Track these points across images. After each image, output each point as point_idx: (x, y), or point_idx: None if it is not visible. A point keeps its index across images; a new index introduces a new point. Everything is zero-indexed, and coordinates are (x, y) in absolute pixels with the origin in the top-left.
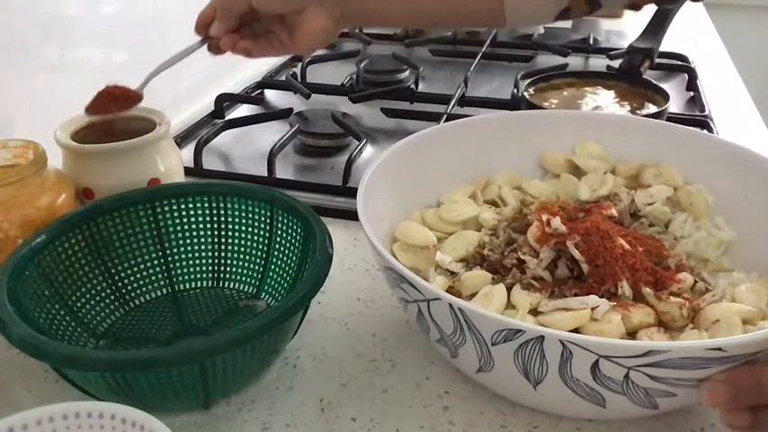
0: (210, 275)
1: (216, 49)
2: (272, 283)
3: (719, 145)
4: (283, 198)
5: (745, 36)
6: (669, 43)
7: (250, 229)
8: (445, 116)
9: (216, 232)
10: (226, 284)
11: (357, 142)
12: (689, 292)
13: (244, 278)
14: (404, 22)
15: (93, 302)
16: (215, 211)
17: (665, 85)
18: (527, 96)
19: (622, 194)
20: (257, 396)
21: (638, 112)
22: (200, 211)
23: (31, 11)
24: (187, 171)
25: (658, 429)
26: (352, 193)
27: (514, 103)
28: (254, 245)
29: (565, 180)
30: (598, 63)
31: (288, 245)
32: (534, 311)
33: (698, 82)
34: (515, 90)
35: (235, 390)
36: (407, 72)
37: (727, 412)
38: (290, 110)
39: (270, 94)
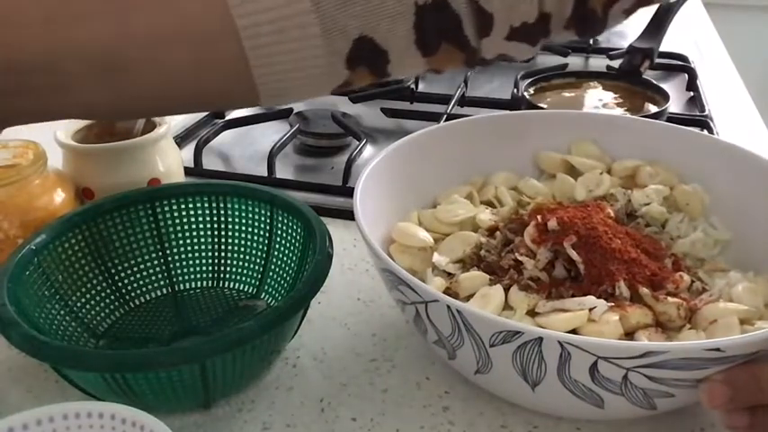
0: (210, 275)
1: None
2: (272, 283)
3: (715, 144)
4: (283, 198)
5: (745, 36)
6: (669, 43)
7: (250, 229)
8: (445, 116)
9: (216, 232)
10: (226, 284)
11: (357, 142)
12: (686, 293)
13: (244, 278)
14: (112, 114)
15: (93, 302)
16: (215, 211)
17: (665, 85)
18: (527, 96)
19: (619, 195)
20: (257, 396)
21: (634, 106)
22: (200, 211)
23: None
24: (187, 171)
25: (658, 429)
26: (352, 193)
27: (514, 103)
28: (254, 245)
29: (561, 180)
30: (598, 63)
31: (288, 245)
32: (532, 312)
33: (698, 82)
34: (515, 90)
35: (235, 390)
36: None
37: (725, 413)
38: (290, 110)
39: None
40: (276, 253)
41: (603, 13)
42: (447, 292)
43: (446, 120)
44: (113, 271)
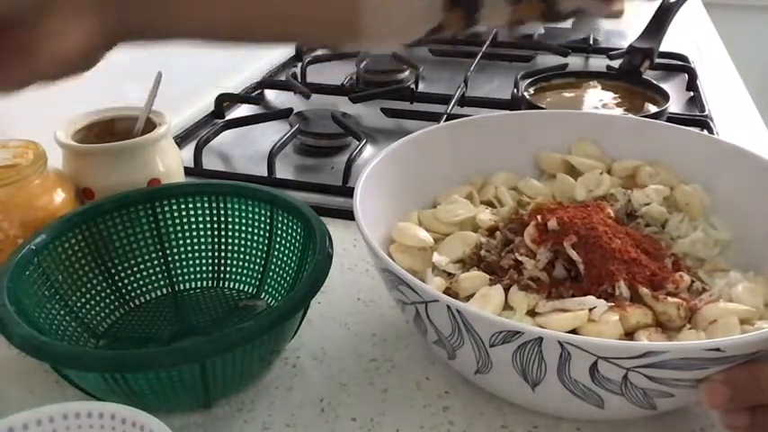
0: (210, 275)
1: None
2: (272, 283)
3: (715, 144)
4: (283, 198)
5: (745, 36)
6: (669, 43)
7: (250, 229)
8: (445, 116)
9: (216, 232)
10: (226, 284)
11: (357, 142)
12: (686, 293)
13: (244, 278)
14: (220, 36)
15: (93, 302)
16: (215, 211)
17: (665, 85)
18: (527, 96)
19: (619, 195)
20: (257, 396)
21: (634, 106)
22: (200, 211)
23: None
24: (187, 171)
25: (658, 429)
26: (352, 193)
27: (514, 103)
28: (254, 245)
29: (561, 180)
30: (598, 63)
31: (288, 245)
32: (532, 312)
33: (698, 82)
34: (515, 90)
35: (235, 390)
36: (407, 72)
37: (725, 413)
38: (290, 110)
39: (270, 94)
40: (276, 253)
41: None
42: (447, 292)
43: (446, 120)
44: (113, 271)
